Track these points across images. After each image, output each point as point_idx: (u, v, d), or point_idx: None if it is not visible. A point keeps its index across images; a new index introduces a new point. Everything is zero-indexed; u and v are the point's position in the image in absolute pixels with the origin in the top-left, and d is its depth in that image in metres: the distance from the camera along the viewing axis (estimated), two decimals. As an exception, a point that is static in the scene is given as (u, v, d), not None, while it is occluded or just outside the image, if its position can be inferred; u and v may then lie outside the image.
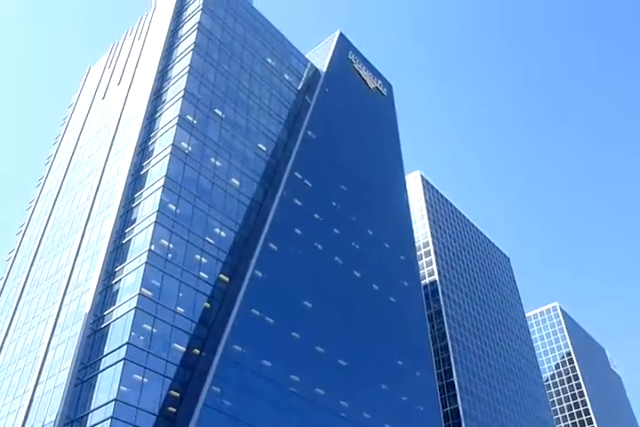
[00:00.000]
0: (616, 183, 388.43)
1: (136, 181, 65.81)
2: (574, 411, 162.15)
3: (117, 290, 55.13)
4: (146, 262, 54.30)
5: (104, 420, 45.08)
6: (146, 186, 63.29)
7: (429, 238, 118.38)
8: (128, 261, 56.67)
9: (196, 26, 78.82)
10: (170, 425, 48.39)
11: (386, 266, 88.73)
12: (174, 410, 49.26)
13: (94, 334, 53.17)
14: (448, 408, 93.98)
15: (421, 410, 78.32)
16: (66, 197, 78.59)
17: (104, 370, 48.89)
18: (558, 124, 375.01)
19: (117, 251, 59.52)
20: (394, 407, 72.87)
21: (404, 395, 75.88)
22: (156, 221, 57.53)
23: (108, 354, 49.81)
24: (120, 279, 55.73)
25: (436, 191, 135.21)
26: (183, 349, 53.24)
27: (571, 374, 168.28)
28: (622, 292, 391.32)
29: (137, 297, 51.82)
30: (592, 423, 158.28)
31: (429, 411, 80.00)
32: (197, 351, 54.29)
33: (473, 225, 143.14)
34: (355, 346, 72.05)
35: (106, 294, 56.11)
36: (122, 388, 46.60)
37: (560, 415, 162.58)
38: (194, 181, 64.91)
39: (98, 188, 71.00)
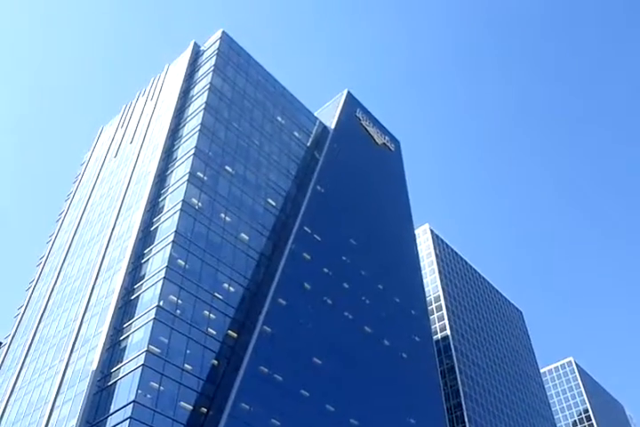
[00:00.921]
0: (629, 236, 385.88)
1: (146, 237, 66.36)
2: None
3: (125, 347, 54.66)
4: (154, 319, 54.10)
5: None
6: (155, 242, 63.77)
7: (440, 293, 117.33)
8: (136, 317, 56.46)
9: (208, 86, 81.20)
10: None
11: (396, 321, 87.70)
12: (180, 472, 47.99)
13: (101, 392, 52.42)
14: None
15: (435, 471, 75.85)
16: (76, 253, 79.15)
17: (109, 430, 48.02)
18: (569, 172, 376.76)
19: (126, 307, 59.41)
20: (407, 468, 70.60)
21: (417, 455, 73.67)
22: (164, 277, 57.66)
23: (114, 413, 48.96)
24: (128, 336, 55.36)
25: (446, 245, 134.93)
26: (190, 407, 52.29)
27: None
28: (639, 346, 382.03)
29: (144, 354, 51.35)
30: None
31: (444, 472, 77.46)
32: (204, 410, 53.28)
33: (484, 279, 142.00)
34: (366, 404, 70.41)
35: (113, 350, 55.62)
36: (127, 449, 45.62)
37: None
38: (203, 236, 65.38)
39: (108, 244, 71.53)
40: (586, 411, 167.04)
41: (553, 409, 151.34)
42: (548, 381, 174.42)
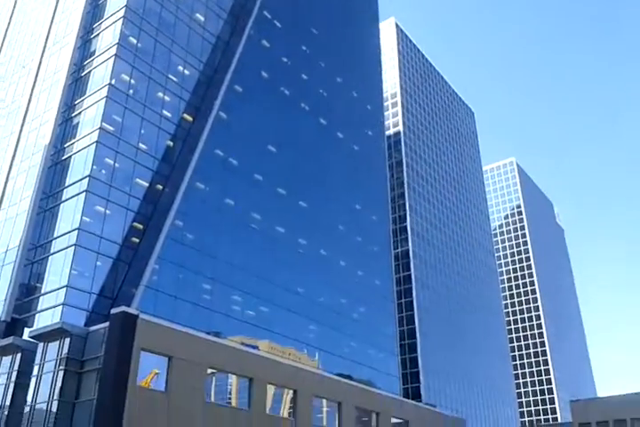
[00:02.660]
0: (583, 48, 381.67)
1: (94, 10, 62.06)
2: (517, 258, 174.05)
3: (77, 123, 54.24)
4: (106, 97, 52.95)
5: (67, 247, 46.49)
6: (105, 16, 59.88)
7: (398, 89, 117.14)
8: (88, 94, 55.14)
9: None
10: (133, 255, 50.51)
11: (352, 115, 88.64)
12: (137, 241, 51.18)
13: (55, 166, 53.18)
14: (399, 250, 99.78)
15: (374, 250, 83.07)
16: (18, 23, 74.09)
17: (66, 201, 49.62)
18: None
19: (77, 83, 57.69)
20: (349, 246, 76.98)
21: (359, 236, 79.87)
22: (116, 55, 55.25)
23: (69, 185, 50.21)
24: (80, 113, 54.59)
25: (410, 41, 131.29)
26: (146, 184, 53.92)
27: (518, 225, 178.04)
28: (579, 153, 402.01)
29: (98, 131, 51.17)
30: (531, 269, 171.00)
31: (382, 251, 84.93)
32: (160, 187, 55.15)
33: (442, 78, 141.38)
34: (315, 190, 74.07)
35: (66, 126, 55.23)
36: (84, 218, 47.64)
37: (503, 261, 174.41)
38: (156, 13, 61.54)
39: (53, 16, 66.86)
40: (518, 206, 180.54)
41: (489, 203, 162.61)
42: (488, 178, 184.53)
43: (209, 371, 40.81)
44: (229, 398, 44.03)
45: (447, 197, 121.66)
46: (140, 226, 52.00)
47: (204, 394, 39.77)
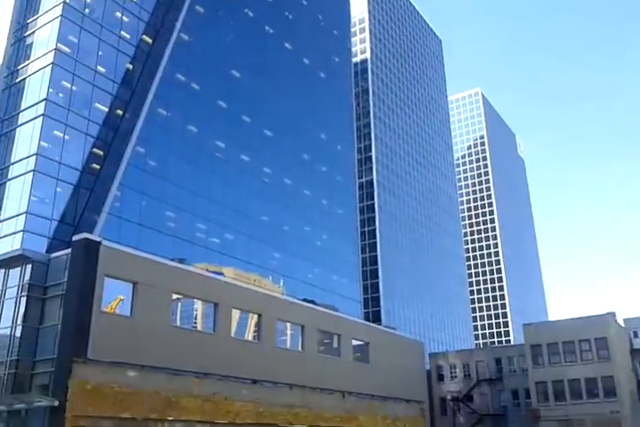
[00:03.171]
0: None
1: None
2: (477, 187, 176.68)
3: (31, 43, 51.68)
4: (61, 15, 50.40)
5: (26, 173, 45.24)
6: None
7: (366, 15, 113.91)
8: (41, 12, 52.40)
9: None
10: (94, 181, 49.64)
11: (318, 40, 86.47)
12: (98, 167, 50.17)
13: (9, 89, 50.93)
14: (364, 179, 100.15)
15: (339, 179, 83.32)
16: None
17: (22, 125, 47.92)
18: None
19: (28, 0, 54.64)
20: (314, 176, 77.01)
21: (324, 165, 79.81)
22: (70, -30, 52.25)
23: (25, 109, 48.37)
24: (34, 32, 51.96)
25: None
26: (105, 109, 52.31)
27: (480, 155, 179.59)
28: (543, 84, 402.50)
29: (53, 52, 48.95)
30: (491, 199, 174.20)
31: (346, 181, 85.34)
32: (120, 112, 53.62)
33: (411, 4, 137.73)
34: (280, 118, 72.97)
35: (19, 46, 52.53)
36: (42, 143, 46.22)
37: (464, 191, 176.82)
38: None
39: None
40: (481, 137, 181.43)
41: (453, 134, 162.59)
42: (453, 108, 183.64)
43: (174, 296, 41.11)
44: (195, 323, 44.78)
45: (412, 127, 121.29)
46: (101, 152, 50.87)
47: (170, 319, 40.30)
